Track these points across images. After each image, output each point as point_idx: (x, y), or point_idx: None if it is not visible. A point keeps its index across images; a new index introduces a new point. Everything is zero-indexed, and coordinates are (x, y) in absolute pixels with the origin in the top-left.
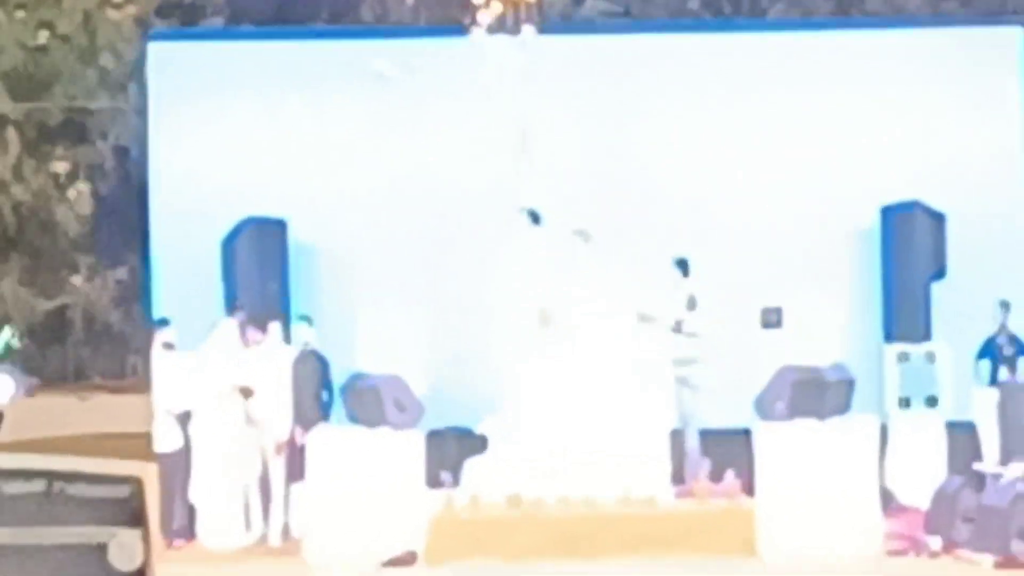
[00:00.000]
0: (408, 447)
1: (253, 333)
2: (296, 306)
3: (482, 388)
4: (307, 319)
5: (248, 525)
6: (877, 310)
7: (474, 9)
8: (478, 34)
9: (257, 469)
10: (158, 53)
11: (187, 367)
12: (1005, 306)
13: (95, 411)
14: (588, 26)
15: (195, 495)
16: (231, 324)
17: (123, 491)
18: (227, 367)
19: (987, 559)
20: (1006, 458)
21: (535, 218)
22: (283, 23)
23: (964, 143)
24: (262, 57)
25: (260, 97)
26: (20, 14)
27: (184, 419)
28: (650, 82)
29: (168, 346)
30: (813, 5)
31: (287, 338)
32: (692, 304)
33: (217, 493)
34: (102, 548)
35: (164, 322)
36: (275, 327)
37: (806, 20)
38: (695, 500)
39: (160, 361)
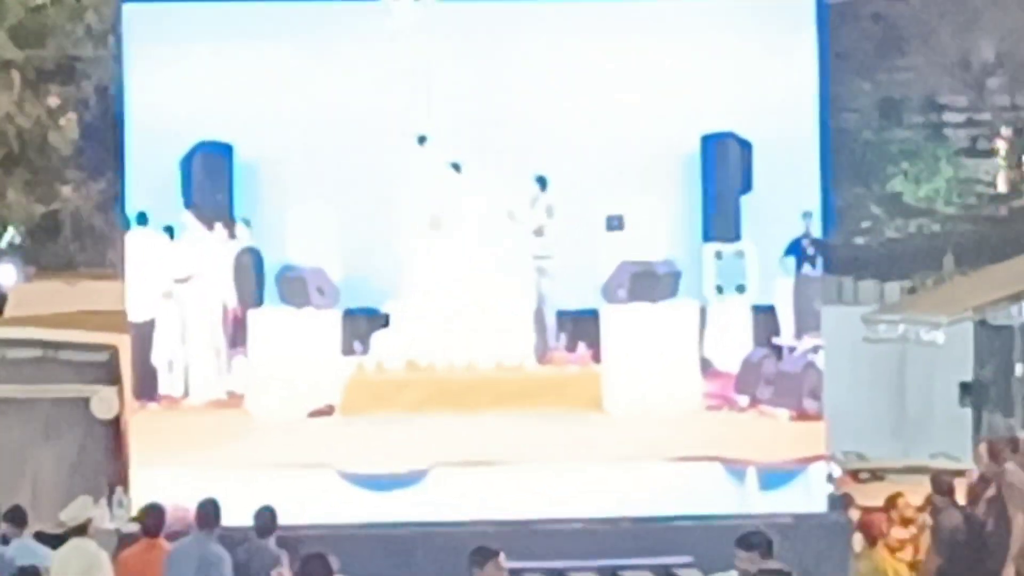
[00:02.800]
0: (328, 323)
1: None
2: (239, 211)
3: (386, 276)
4: (247, 222)
5: (201, 383)
6: (698, 217)
7: None
8: None
9: (208, 339)
10: (131, 12)
11: (156, 255)
12: (807, 215)
13: (81, 294)
14: None
15: (158, 359)
16: (193, 225)
17: (103, 356)
18: (187, 257)
19: (784, 413)
20: (799, 334)
21: (422, 141)
22: None
23: (768, 83)
24: (215, 13)
25: (212, 46)
26: None
27: (152, 298)
28: (519, 37)
29: (149, 233)
30: None
31: (231, 236)
32: (550, 212)
33: (177, 358)
34: (86, 401)
35: (144, 216)
36: (220, 227)
37: None
38: (554, 366)
39: (134, 249)
